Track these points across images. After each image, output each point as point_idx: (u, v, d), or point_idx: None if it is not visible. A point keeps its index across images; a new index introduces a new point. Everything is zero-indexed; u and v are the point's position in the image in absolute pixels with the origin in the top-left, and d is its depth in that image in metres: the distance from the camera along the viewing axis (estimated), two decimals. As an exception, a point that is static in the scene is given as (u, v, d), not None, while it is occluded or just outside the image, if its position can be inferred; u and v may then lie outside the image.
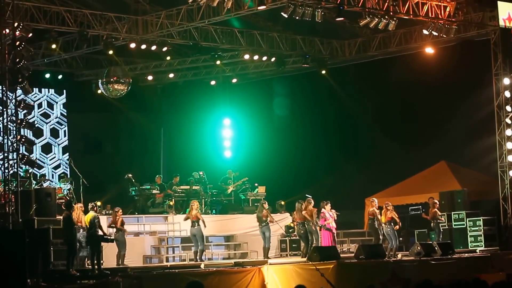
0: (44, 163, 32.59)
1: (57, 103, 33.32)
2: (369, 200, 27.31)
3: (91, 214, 22.67)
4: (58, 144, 33.22)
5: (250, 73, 34.07)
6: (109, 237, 23.45)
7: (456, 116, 31.55)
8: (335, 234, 26.14)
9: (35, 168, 25.26)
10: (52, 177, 32.42)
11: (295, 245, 27.74)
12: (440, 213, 27.38)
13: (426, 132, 32.44)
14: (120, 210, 24.79)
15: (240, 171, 31.37)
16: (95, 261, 22.18)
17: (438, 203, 27.57)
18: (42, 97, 33.03)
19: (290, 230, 28.03)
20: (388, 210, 25.67)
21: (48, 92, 33.20)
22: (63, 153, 33.14)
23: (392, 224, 25.69)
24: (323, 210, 25.95)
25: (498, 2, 27.62)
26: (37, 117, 32.61)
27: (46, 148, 32.97)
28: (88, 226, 22.54)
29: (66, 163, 32.56)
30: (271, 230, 26.32)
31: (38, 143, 32.28)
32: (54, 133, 33.18)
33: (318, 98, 33.86)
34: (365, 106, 33.32)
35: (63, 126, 33.37)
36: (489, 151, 28.84)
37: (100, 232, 22.66)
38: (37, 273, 20.46)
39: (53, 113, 33.22)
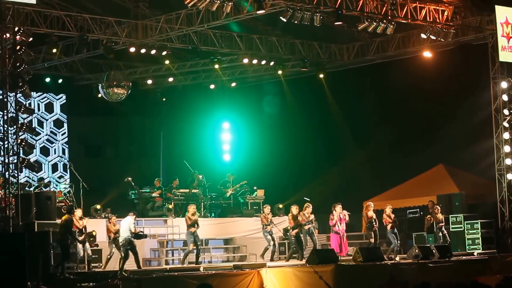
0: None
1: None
2: (366, 203, 27.47)
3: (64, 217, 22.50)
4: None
5: (249, 77, 34.20)
6: (141, 233, 23.93)
7: (454, 120, 31.64)
8: (344, 237, 26.24)
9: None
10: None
11: (294, 247, 27.82)
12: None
13: (424, 136, 32.53)
14: (113, 217, 24.76)
15: (239, 175, 31.45)
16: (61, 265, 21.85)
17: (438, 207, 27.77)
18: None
19: (288, 233, 28.12)
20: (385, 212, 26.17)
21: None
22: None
23: (394, 225, 26.06)
24: (334, 212, 26.15)
25: (496, 6, 27.79)
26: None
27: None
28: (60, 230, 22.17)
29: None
30: (269, 233, 26.40)
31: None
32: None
33: (317, 102, 33.95)
34: (364, 110, 33.43)
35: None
36: (487, 155, 28.97)
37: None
38: (37, 276, 20.55)
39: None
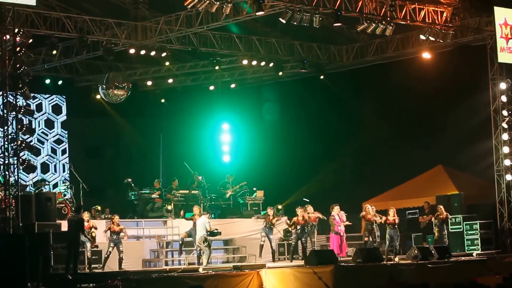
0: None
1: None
2: (364, 205, 27.50)
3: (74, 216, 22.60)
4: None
5: (248, 78, 34.24)
6: (216, 231, 25.01)
7: (453, 121, 31.73)
8: (344, 237, 26.29)
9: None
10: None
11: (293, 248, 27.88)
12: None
13: (423, 136, 32.59)
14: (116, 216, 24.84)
15: (238, 176, 31.51)
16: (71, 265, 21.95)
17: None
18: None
19: (288, 234, 28.16)
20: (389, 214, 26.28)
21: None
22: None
23: (396, 226, 26.09)
24: (332, 213, 26.16)
25: (495, 7, 27.84)
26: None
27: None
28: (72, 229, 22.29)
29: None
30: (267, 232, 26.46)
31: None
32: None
33: (316, 103, 34.01)
34: (362, 111, 33.48)
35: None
36: (486, 155, 29.03)
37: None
38: (38, 277, 20.56)
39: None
